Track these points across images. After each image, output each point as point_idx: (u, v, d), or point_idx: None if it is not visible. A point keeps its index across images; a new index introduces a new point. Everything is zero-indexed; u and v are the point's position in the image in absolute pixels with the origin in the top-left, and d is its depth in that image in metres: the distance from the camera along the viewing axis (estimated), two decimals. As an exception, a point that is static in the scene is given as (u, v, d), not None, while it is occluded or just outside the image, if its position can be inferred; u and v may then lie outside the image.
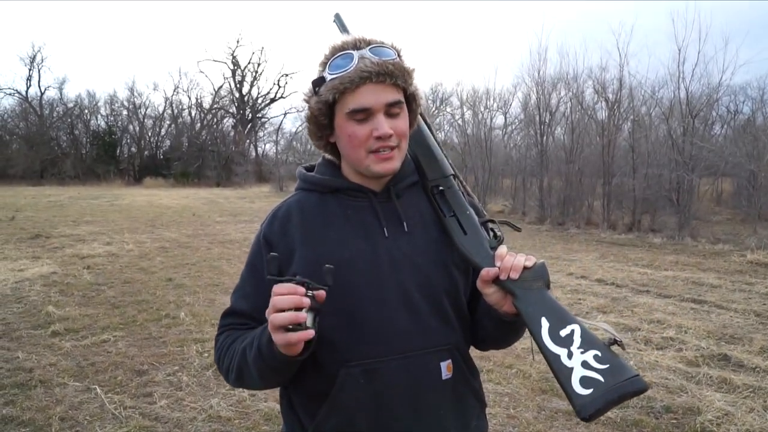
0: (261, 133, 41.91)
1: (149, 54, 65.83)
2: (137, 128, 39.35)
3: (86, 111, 38.10)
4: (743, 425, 3.27)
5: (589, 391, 0.94)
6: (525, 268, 1.04)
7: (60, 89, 41.85)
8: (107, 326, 5.12)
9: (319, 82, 1.07)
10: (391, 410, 1.07)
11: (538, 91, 15.59)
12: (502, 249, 1.08)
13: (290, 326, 0.91)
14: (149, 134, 40.17)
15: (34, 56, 37.04)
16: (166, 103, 40.75)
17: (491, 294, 1.07)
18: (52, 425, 3.22)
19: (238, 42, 48.41)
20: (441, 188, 1.17)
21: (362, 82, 1.03)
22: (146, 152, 39.57)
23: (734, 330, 5.07)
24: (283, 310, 0.91)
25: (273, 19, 65.46)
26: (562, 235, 12.36)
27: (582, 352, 0.97)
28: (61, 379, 3.88)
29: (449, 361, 1.11)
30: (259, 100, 41.46)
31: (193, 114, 40.53)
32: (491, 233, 1.13)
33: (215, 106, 40.48)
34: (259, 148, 41.21)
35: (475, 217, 1.14)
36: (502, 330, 1.15)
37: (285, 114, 42.17)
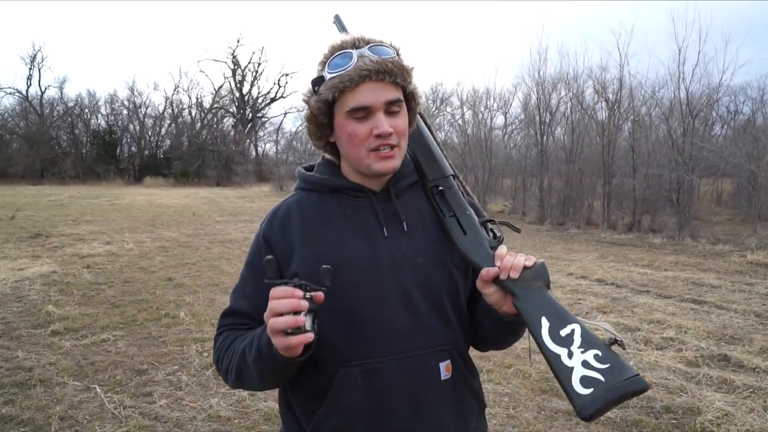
0: (261, 133, 42.00)
1: (149, 53, 65.90)
2: (137, 128, 39.40)
3: (86, 110, 38.17)
4: (743, 425, 3.27)
5: (589, 391, 0.94)
6: (525, 267, 1.04)
7: (60, 88, 42.00)
8: (107, 326, 5.12)
9: (318, 82, 1.07)
10: (390, 410, 1.06)
11: (539, 91, 15.61)
12: (502, 249, 1.08)
13: (289, 330, 0.91)
14: (149, 134, 40.22)
15: (35, 55, 37.13)
16: (166, 102, 40.86)
17: (491, 294, 1.07)
18: (52, 424, 3.22)
19: (238, 41, 48.37)
20: (441, 188, 1.17)
21: (362, 81, 1.03)
22: (146, 152, 39.59)
23: (734, 330, 5.07)
24: (281, 314, 0.91)
25: (273, 19, 65.51)
26: (562, 235, 12.36)
27: (582, 352, 0.97)
28: (61, 379, 3.88)
29: (448, 361, 1.11)
30: (260, 100, 41.53)
31: (193, 113, 40.62)
32: (491, 233, 1.13)
33: (215, 105, 40.52)
34: (259, 148, 41.30)
35: (475, 217, 1.14)
36: (502, 330, 1.14)
37: (285, 114, 42.21)
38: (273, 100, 41.24)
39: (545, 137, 15.64)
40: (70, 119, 37.55)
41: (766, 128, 15.57)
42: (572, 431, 3.27)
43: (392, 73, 1.04)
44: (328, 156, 1.20)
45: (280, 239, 1.13)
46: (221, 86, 40.32)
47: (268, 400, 3.55)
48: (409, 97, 1.11)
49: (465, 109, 22.50)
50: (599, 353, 0.96)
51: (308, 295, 0.92)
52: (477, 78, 66.60)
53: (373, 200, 1.13)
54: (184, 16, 65.92)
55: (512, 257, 1.05)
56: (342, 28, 1.24)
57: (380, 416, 1.06)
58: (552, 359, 0.98)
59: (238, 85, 40.47)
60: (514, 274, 1.03)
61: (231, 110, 40.95)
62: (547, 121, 15.59)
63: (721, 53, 17.12)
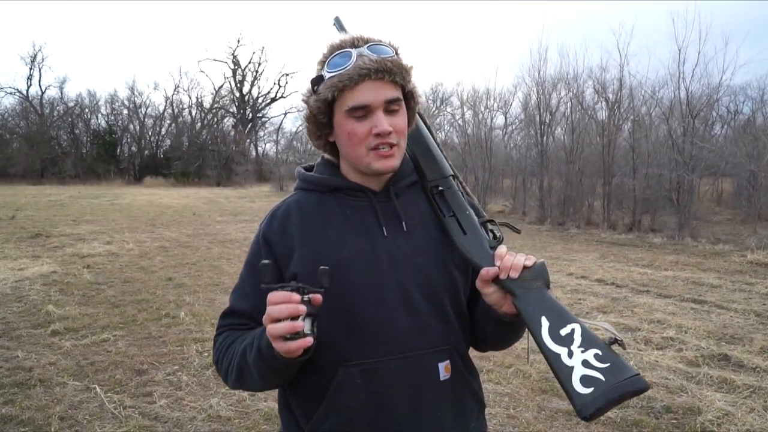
0: (261, 133, 42.01)
1: (150, 53, 65.92)
2: (138, 127, 39.41)
3: (87, 110, 38.19)
4: (743, 425, 3.26)
5: (589, 390, 0.93)
6: (525, 267, 1.03)
7: (60, 88, 42.06)
8: (107, 325, 5.12)
9: (317, 81, 1.07)
10: (390, 410, 1.06)
11: (539, 91, 15.61)
12: (502, 248, 1.08)
13: (288, 335, 0.91)
14: (150, 133, 40.23)
15: (35, 55, 37.14)
16: (166, 102, 40.86)
17: (491, 294, 1.06)
18: (52, 424, 3.22)
19: (238, 41, 48.36)
20: (440, 188, 1.16)
21: (361, 80, 1.03)
22: (147, 151, 39.60)
23: (734, 330, 5.07)
24: (279, 320, 0.91)
25: (273, 19, 65.51)
26: (562, 235, 12.36)
27: (582, 351, 0.97)
28: (61, 379, 3.88)
29: (447, 361, 1.11)
30: (260, 100, 41.54)
31: (193, 113, 40.63)
32: (491, 234, 1.13)
33: (216, 105, 40.52)
34: (259, 148, 41.31)
35: (475, 218, 1.14)
36: (501, 330, 1.14)
37: (285, 114, 42.17)
38: (273, 100, 41.31)
39: (545, 137, 15.65)
40: (70, 119, 37.56)
41: (766, 128, 15.57)
42: (572, 431, 3.27)
43: (391, 72, 1.04)
44: (327, 156, 1.20)
45: (280, 239, 1.12)
46: (221, 86, 40.41)
47: (268, 400, 3.55)
48: (408, 96, 1.11)
49: (465, 109, 22.53)
50: (599, 353, 0.96)
51: (306, 297, 0.91)
52: (477, 78, 66.66)
53: (372, 200, 1.13)
54: (184, 16, 66.00)
55: (512, 257, 1.05)
56: (342, 29, 1.24)
57: (379, 416, 1.06)
58: (552, 359, 0.98)
59: (239, 85, 40.51)
60: (514, 274, 1.03)
61: (231, 110, 40.97)
62: (547, 121, 15.60)
63: (721, 53, 17.14)
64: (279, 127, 39.17)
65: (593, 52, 36.67)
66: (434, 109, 27.98)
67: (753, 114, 20.87)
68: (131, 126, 39.37)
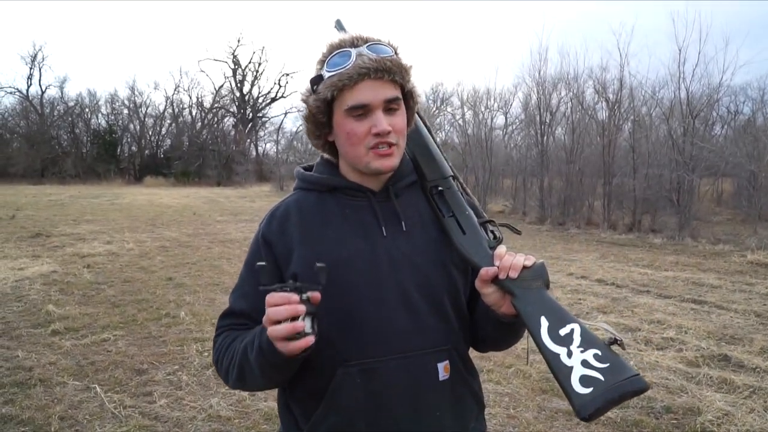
0: (261, 133, 42.02)
1: (150, 53, 65.92)
2: (138, 127, 39.41)
3: (87, 110, 38.19)
4: (743, 426, 3.26)
5: (588, 390, 0.93)
6: (524, 267, 1.03)
7: (61, 88, 42.01)
8: (107, 325, 5.12)
9: (317, 80, 1.07)
10: (389, 410, 1.06)
11: (539, 91, 15.62)
12: (501, 248, 1.07)
13: (289, 336, 0.91)
14: (150, 133, 40.24)
15: (35, 55, 37.12)
16: (166, 102, 40.89)
17: (490, 294, 1.06)
18: (52, 424, 3.22)
19: (239, 41, 48.29)
20: (440, 189, 1.16)
21: (360, 79, 1.03)
22: (147, 151, 39.60)
23: (734, 330, 5.07)
24: (279, 322, 0.91)
25: (274, 19, 65.51)
26: (563, 236, 12.36)
27: (582, 351, 0.96)
28: (61, 378, 3.88)
29: (447, 362, 1.10)
30: (260, 100, 41.54)
31: (193, 113, 40.64)
32: (491, 234, 1.13)
33: (216, 105, 40.53)
34: (259, 148, 41.33)
35: (474, 218, 1.13)
36: (501, 331, 1.14)
37: (285, 113, 42.11)
38: (273, 99, 41.31)
39: (545, 137, 15.65)
40: (70, 119, 37.56)
41: (766, 128, 15.57)
42: (573, 431, 3.27)
43: (391, 71, 1.04)
44: (326, 155, 1.20)
45: (279, 239, 1.12)
46: (222, 86, 40.41)
47: (268, 400, 3.55)
48: (408, 96, 1.11)
49: (465, 109, 22.54)
50: (599, 353, 0.95)
51: (305, 297, 0.91)
52: (477, 78, 66.71)
53: (371, 200, 1.13)
54: (184, 16, 66.01)
55: (511, 257, 1.05)
56: (343, 32, 1.24)
57: (379, 416, 1.06)
58: (551, 358, 0.97)
59: (239, 84, 40.50)
60: (513, 274, 1.03)
61: (231, 110, 40.97)
62: (548, 121, 15.60)
63: (721, 53, 17.11)
64: (279, 127, 39.24)
65: (593, 52, 36.73)
66: (434, 109, 27.98)
67: (753, 114, 20.88)
68: (131, 126, 39.40)
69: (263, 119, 41.63)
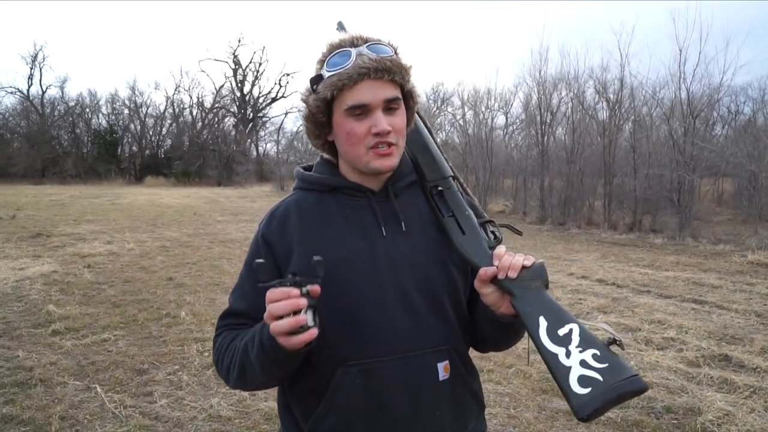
0: (262, 133, 42.03)
1: (151, 53, 65.93)
2: (138, 127, 39.45)
3: (87, 110, 38.23)
4: (744, 426, 3.26)
5: (587, 391, 0.92)
6: (523, 267, 1.03)
7: (61, 88, 42.26)
8: (108, 325, 5.12)
9: (317, 80, 1.07)
10: (389, 410, 1.06)
11: (539, 91, 15.61)
12: (501, 248, 1.07)
13: (292, 330, 0.91)
14: (150, 133, 40.27)
15: (36, 55, 37.13)
16: (167, 102, 40.93)
17: (489, 294, 1.06)
18: (52, 424, 3.22)
19: (239, 41, 48.35)
20: (440, 189, 1.16)
21: (360, 79, 1.03)
22: (147, 151, 39.63)
23: (735, 330, 5.06)
24: (281, 317, 0.91)
25: (274, 19, 65.54)
26: (563, 236, 12.35)
27: (580, 351, 0.96)
28: (62, 378, 3.88)
29: (446, 362, 1.10)
30: (261, 100, 41.55)
31: (194, 113, 40.66)
32: (492, 235, 1.12)
33: (216, 105, 40.54)
34: (260, 148, 41.35)
35: (474, 218, 1.13)
36: (500, 331, 1.14)
37: (286, 113, 42.08)
38: (274, 99, 41.33)
39: (546, 137, 15.65)
40: (71, 119, 37.59)
41: (766, 128, 15.56)
42: (573, 431, 3.27)
43: (390, 71, 1.04)
44: (326, 155, 1.20)
45: (279, 239, 1.12)
46: (222, 86, 40.42)
47: (269, 400, 3.55)
48: (407, 96, 1.11)
49: (466, 109, 22.55)
50: (598, 353, 0.95)
51: (305, 290, 0.91)
52: (478, 78, 66.75)
53: (371, 199, 1.13)
54: (184, 16, 66.03)
55: (510, 257, 1.05)
56: (344, 32, 1.24)
57: (379, 416, 1.06)
58: (549, 358, 0.97)
59: (239, 84, 40.51)
60: (512, 274, 1.03)
61: (232, 110, 40.98)
62: (548, 121, 15.59)
63: (721, 53, 17.09)
64: (280, 127, 39.26)
65: (594, 52, 36.74)
66: (435, 109, 27.99)
67: (754, 114, 20.89)
68: (132, 126, 39.43)
69: (264, 119, 41.70)
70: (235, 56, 39.73)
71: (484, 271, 1.05)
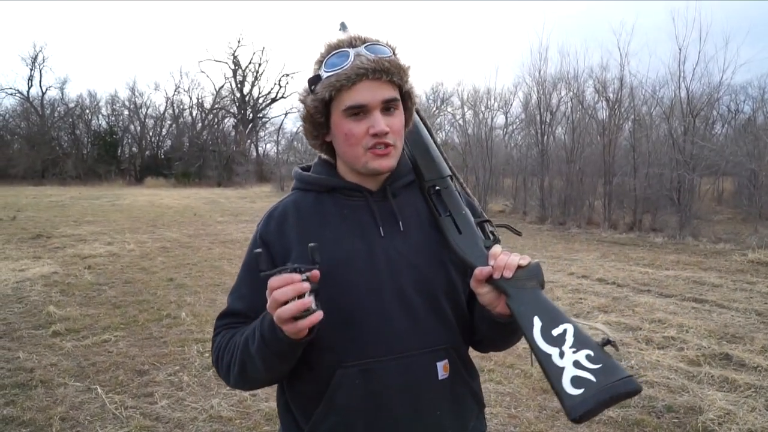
0: (262, 133, 42.06)
1: (150, 54, 65.93)
2: (138, 128, 39.45)
3: (87, 111, 38.21)
4: (745, 424, 3.26)
5: (580, 391, 0.91)
6: (519, 266, 1.03)
7: (61, 89, 42.21)
8: (108, 326, 5.12)
9: (315, 81, 1.07)
10: (389, 410, 1.06)
11: (539, 90, 15.60)
12: (496, 248, 1.07)
13: (298, 315, 0.91)
14: (150, 134, 40.27)
15: (36, 56, 37.15)
16: (167, 103, 40.92)
17: (485, 294, 1.06)
18: (53, 425, 3.22)
19: (239, 42, 48.37)
20: (437, 188, 1.16)
21: (358, 79, 1.03)
22: (147, 152, 39.63)
23: (735, 329, 5.06)
24: (286, 302, 0.91)
25: (274, 19, 65.54)
26: (563, 235, 12.35)
27: (574, 352, 0.95)
28: (62, 379, 3.88)
29: (445, 361, 1.10)
30: (260, 100, 41.55)
31: (194, 114, 40.66)
32: (492, 236, 1.12)
33: (216, 106, 40.53)
34: (260, 148, 41.37)
35: (471, 217, 1.13)
36: (497, 331, 1.14)
37: (286, 114, 42.13)
38: (274, 100, 41.32)
39: (546, 137, 15.64)
40: (71, 120, 37.59)
41: (766, 127, 15.56)
42: (573, 431, 3.27)
43: (389, 71, 1.04)
44: (324, 156, 1.20)
45: (277, 239, 1.13)
46: (222, 86, 40.40)
47: (269, 401, 3.55)
48: (405, 97, 1.11)
49: (465, 109, 22.50)
50: (591, 354, 0.94)
51: (305, 276, 0.92)
52: (477, 78, 66.83)
53: (369, 200, 1.13)
54: (184, 16, 66.03)
55: (506, 256, 1.04)
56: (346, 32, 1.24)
57: (378, 416, 1.06)
58: (543, 358, 0.96)
59: (239, 85, 40.50)
60: (508, 273, 1.02)
61: (232, 110, 40.98)
62: (548, 120, 15.58)
63: (721, 52, 17.04)
64: (279, 128, 39.26)
65: (594, 52, 36.61)
66: (435, 108, 27.95)
67: (754, 113, 20.84)
68: (132, 127, 39.44)
69: (263, 120, 41.71)
70: (235, 57, 39.78)
71: (480, 271, 1.05)
